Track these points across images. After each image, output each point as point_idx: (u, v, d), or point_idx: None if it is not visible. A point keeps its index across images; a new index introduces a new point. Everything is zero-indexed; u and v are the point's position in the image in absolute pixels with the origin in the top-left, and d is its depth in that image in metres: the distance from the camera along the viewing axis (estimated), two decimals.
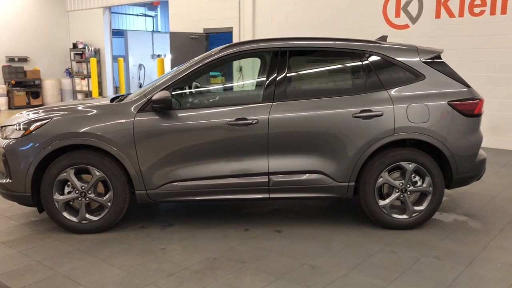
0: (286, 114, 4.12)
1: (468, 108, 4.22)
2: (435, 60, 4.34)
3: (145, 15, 19.43)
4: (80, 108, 4.33)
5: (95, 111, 4.19)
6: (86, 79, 15.28)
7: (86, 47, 15.28)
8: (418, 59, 4.30)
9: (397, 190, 4.22)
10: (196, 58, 4.44)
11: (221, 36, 12.22)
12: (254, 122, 4.07)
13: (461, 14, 8.28)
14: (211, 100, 4.92)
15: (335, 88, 4.51)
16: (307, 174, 4.17)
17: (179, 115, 4.11)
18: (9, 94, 14.61)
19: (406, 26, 8.90)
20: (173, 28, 13.10)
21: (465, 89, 4.27)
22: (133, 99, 4.20)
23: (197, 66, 4.21)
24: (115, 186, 4.10)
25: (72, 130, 4.03)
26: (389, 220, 4.26)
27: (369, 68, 4.26)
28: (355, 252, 3.80)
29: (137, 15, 18.97)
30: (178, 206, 4.99)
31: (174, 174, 4.12)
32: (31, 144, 4.03)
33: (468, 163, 4.27)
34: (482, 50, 8.13)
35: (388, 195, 4.25)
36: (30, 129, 4.07)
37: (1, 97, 14.42)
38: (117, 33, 16.77)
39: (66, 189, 4.14)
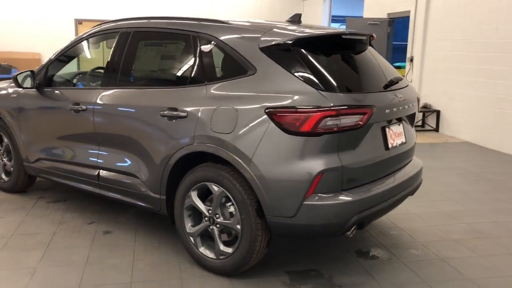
0: (106, 103, 3.65)
1: (289, 122, 2.74)
2: (280, 47, 2.95)
3: None
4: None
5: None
6: None
7: None
8: (256, 46, 3.03)
9: (206, 219, 3.18)
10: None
11: (405, 21, 10.60)
12: (81, 109, 3.78)
13: None
14: (75, 82, 4.55)
15: (161, 78, 3.70)
16: (124, 175, 3.61)
17: (44, 95, 4.17)
18: None
19: None
20: (366, 14, 12.15)
21: (310, 91, 2.76)
22: None
23: (61, 50, 4.17)
24: (14, 154, 4.55)
25: None
26: (196, 254, 3.25)
27: (199, 55, 3.26)
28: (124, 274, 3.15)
29: None
30: None
31: (40, 152, 4.25)
32: None
33: (287, 204, 2.78)
34: None
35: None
36: None
37: None
38: (342, 21, 16.64)
39: None
